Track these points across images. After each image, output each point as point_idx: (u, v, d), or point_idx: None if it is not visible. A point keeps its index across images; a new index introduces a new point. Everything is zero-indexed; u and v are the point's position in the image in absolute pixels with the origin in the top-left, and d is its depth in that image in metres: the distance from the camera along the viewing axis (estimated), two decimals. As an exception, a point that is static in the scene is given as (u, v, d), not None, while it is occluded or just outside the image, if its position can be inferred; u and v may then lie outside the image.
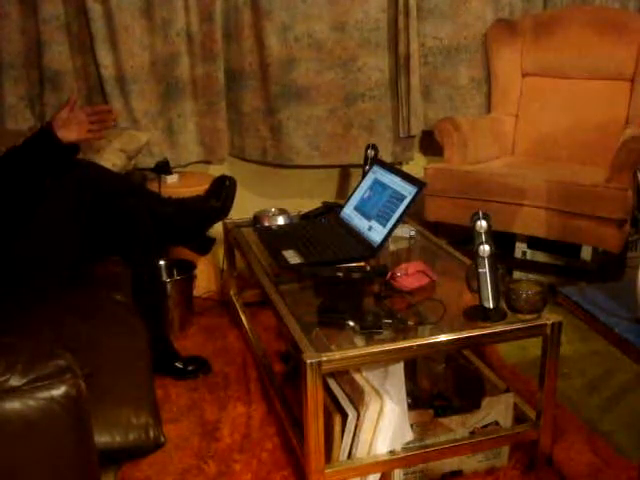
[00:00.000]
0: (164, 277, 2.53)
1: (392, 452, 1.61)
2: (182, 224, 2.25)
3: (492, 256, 1.59)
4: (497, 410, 1.71)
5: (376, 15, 2.98)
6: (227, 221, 2.50)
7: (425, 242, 2.25)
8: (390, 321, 1.59)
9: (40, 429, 0.97)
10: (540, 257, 2.79)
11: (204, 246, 2.39)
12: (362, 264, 1.91)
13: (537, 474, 1.72)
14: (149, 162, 2.90)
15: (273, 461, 1.79)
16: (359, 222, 2.17)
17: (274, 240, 2.17)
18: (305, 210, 2.56)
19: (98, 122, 1.88)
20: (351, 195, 2.32)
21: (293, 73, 2.99)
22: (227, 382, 2.17)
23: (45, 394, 0.97)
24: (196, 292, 2.62)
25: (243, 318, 2.44)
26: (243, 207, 2.53)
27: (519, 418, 1.76)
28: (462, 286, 1.81)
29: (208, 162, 3.15)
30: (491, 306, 1.60)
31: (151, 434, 1.29)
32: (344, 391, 1.67)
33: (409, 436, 1.63)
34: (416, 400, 1.75)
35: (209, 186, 2.34)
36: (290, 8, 2.92)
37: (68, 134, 1.83)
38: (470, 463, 1.72)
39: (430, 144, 3.14)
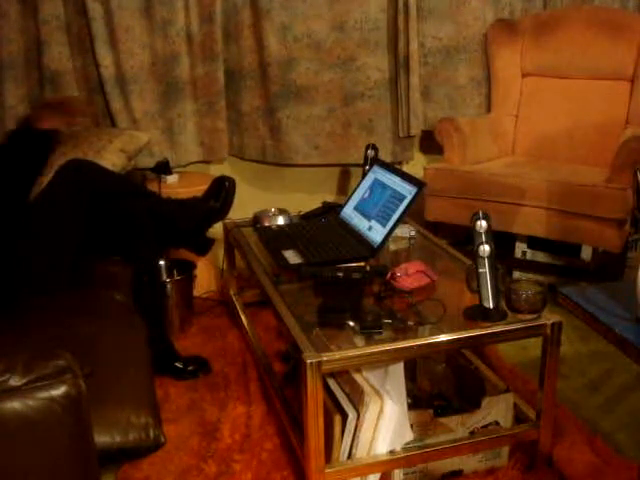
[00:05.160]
0: (164, 277, 2.53)
1: (392, 452, 1.61)
2: (182, 225, 2.25)
3: (492, 256, 1.59)
4: (497, 410, 1.71)
5: (376, 15, 2.98)
6: (227, 221, 2.50)
7: (425, 242, 2.25)
8: (390, 321, 1.59)
9: (40, 429, 0.97)
10: (540, 257, 2.79)
11: (203, 247, 2.39)
12: (362, 264, 1.91)
13: (537, 474, 1.72)
14: (149, 162, 2.90)
15: (273, 461, 1.79)
16: (359, 222, 2.17)
17: (274, 240, 2.17)
18: (305, 210, 2.56)
19: (70, 112, 1.97)
20: (351, 195, 2.32)
21: (292, 73, 2.99)
22: (227, 382, 2.17)
23: (45, 394, 0.97)
24: (196, 292, 2.62)
25: (243, 318, 2.44)
26: (243, 207, 2.54)
27: (519, 418, 1.76)
28: (462, 286, 1.81)
29: (208, 162, 3.15)
30: (491, 306, 1.60)
31: (151, 434, 1.29)
32: (344, 391, 1.67)
33: (409, 436, 1.63)
34: (416, 400, 1.75)
35: (208, 187, 2.34)
36: (290, 8, 2.92)
37: (40, 123, 1.93)
38: (470, 463, 1.72)
39: (430, 144, 3.14)
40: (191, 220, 2.26)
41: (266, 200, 3.02)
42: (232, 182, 2.31)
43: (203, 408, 2.03)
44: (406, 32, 2.95)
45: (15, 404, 0.95)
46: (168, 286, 2.41)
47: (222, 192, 2.28)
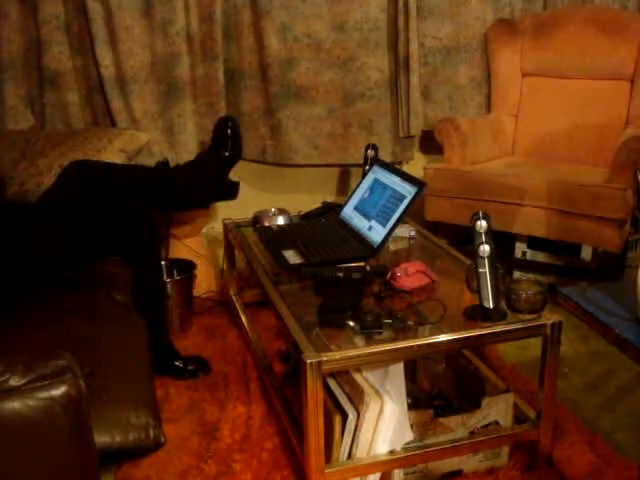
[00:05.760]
0: (164, 277, 2.53)
1: (392, 452, 1.61)
2: (204, 186, 2.26)
3: (492, 256, 1.59)
4: (497, 410, 1.71)
5: (376, 15, 2.98)
6: (227, 221, 2.51)
7: (425, 242, 2.25)
8: (390, 321, 1.59)
9: (40, 429, 0.97)
10: (540, 257, 2.79)
11: (230, 192, 2.41)
12: (362, 264, 1.91)
13: (537, 474, 1.72)
14: (149, 162, 2.90)
15: (273, 461, 1.79)
16: (359, 222, 2.17)
17: (274, 240, 2.16)
18: (305, 210, 2.56)
19: None
20: (351, 195, 2.32)
21: (293, 73, 2.99)
22: (227, 382, 2.17)
23: (45, 394, 0.97)
24: (196, 292, 2.62)
25: (243, 318, 2.44)
26: (243, 207, 2.54)
27: (519, 418, 1.76)
28: (462, 286, 1.81)
29: (208, 162, 3.14)
30: (491, 306, 1.60)
31: (151, 434, 1.29)
32: (344, 391, 1.67)
33: (409, 436, 1.63)
34: (416, 400, 1.75)
35: (212, 134, 2.35)
36: (290, 8, 2.92)
37: None
38: (470, 463, 1.72)
39: (430, 144, 3.14)
40: (209, 180, 2.27)
41: (266, 200, 3.02)
42: (234, 122, 2.32)
43: (203, 408, 2.03)
44: (406, 32, 2.95)
45: (15, 404, 0.95)
46: (168, 286, 2.41)
47: (228, 137, 2.28)
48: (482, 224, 1.58)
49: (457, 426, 1.67)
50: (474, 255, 1.60)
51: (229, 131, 2.28)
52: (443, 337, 1.56)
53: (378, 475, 1.68)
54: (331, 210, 2.47)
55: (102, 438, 1.22)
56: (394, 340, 1.55)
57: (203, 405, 2.05)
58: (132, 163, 2.66)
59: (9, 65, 2.79)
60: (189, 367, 2.19)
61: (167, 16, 2.85)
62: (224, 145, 2.27)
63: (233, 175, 2.47)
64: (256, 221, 2.44)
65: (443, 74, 3.11)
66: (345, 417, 1.60)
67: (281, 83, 2.99)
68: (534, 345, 1.76)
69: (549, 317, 1.62)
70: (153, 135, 2.92)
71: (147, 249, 2.10)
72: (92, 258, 1.98)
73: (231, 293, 2.61)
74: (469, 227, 1.61)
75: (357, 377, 1.65)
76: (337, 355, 1.49)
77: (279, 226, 2.36)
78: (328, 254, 2.00)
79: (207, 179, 2.25)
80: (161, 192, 2.17)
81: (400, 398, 1.60)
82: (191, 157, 3.08)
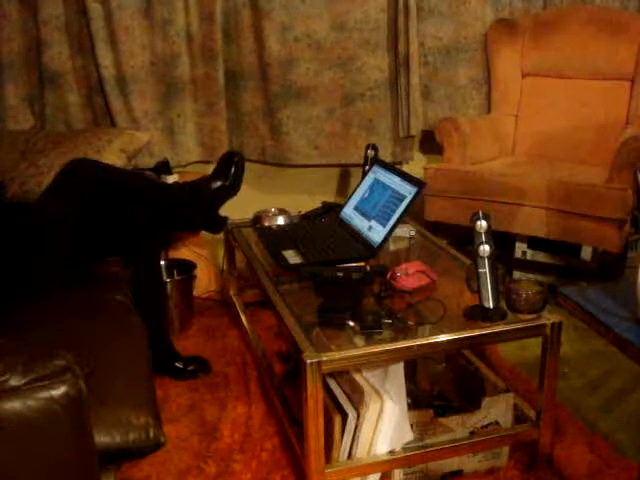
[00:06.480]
0: (164, 277, 2.53)
1: (392, 452, 1.61)
2: (193, 209, 2.26)
3: (492, 256, 1.59)
4: (497, 410, 1.71)
5: (376, 15, 2.98)
6: (227, 221, 2.50)
7: (425, 242, 2.25)
8: (390, 321, 1.59)
9: (40, 429, 0.97)
10: (540, 257, 2.78)
11: (216, 225, 2.41)
12: (362, 264, 1.91)
13: (537, 474, 1.72)
14: (149, 162, 2.90)
15: (273, 461, 1.79)
16: (359, 222, 2.17)
17: (274, 240, 2.16)
18: (305, 210, 2.56)
19: None
20: (351, 195, 2.32)
21: (293, 73, 2.99)
22: (227, 382, 2.17)
23: (45, 394, 0.97)
24: (196, 292, 2.62)
25: (243, 318, 2.44)
26: (243, 207, 2.54)
27: (519, 418, 1.76)
28: (462, 286, 1.81)
29: (208, 162, 3.15)
30: (491, 306, 1.60)
31: (151, 434, 1.29)
32: (344, 391, 1.67)
33: (409, 436, 1.63)
34: (416, 400, 1.75)
35: (217, 163, 2.36)
36: (290, 8, 2.92)
37: None
38: (470, 463, 1.72)
39: (430, 144, 3.14)
40: (201, 203, 2.27)
41: (266, 200, 3.01)
42: (241, 157, 2.33)
43: (203, 408, 2.03)
44: (406, 32, 2.95)
45: (15, 404, 0.94)
46: (168, 286, 2.41)
47: (231, 169, 2.29)
48: (482, 224, 1.58)
49: (457, 426, 1.67)
50: (474, 255, 1.60)
51: (233, 167, 2.29)
52: (443, 337, 1.56)
53: (378, 475, 1.68)
54: (331, 210, 2.47)
55: (102, 438, 1.22)
56: (394, 340, 1.55)
57: (203, 405, 2.05)
58: (131, 168, 2.66)
59: (9, 65, 2.80)
60: (189, 367, 2.19)
61: (167, 16, 2.85)
62: (225, 176, 2.29)
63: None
64: (256, 221, 2.44)
65: (443, 74, 3.11)
66: (345, 417, 1.60)
67: (281, 83, 2.99)
68: (534, 345, 1.76)
69: (549, 317, 1.62)
70: (153, 135, 2.92)
71: (147, 249, 2.10)
72: (92, 258, 1.98)
73: (231, 293, 2.61)
74: (469, 227, 1.61)
75: (357, 377, 1.65)
76: (337, 355, 1.49)
77: (279, 226, 2.36)
78: (328, 254, 2.00)
79: (200, 201, 2.26)
80: (154, 201, 2.16)
81: (400, 398, 1.60)
82: (191, 157, 3.09)
